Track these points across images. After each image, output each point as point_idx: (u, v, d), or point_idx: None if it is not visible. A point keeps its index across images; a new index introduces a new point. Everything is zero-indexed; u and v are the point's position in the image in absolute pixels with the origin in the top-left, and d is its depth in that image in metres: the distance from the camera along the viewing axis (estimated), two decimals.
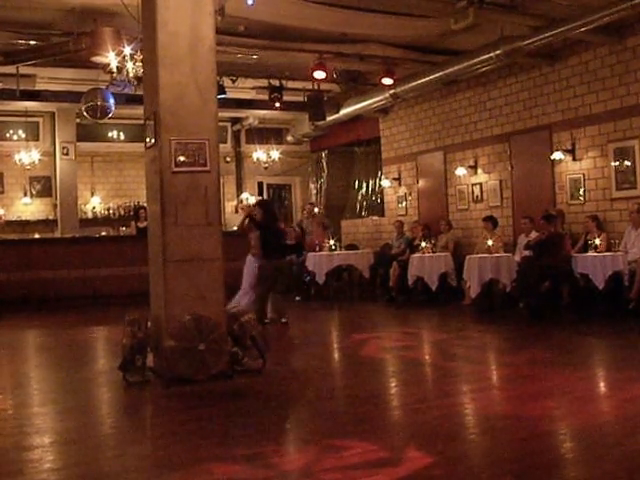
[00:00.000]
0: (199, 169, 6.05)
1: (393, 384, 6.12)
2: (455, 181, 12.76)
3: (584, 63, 10.26)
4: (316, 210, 15.09)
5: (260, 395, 5.59)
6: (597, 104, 10.07)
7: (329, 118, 13.89)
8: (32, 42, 9.78)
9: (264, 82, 12.83)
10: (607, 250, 9.11)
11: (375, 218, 15.40)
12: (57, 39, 9.63)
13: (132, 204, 15.52)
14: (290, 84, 12.77)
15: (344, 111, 14.02)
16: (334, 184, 17.32)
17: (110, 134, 16.10)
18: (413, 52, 11.15)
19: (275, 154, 16.69)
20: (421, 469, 3.68)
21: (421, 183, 13.71)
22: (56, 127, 14.91)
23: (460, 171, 12.50)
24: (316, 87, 12.79)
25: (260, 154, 16.75)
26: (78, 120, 14.48)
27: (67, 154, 14.81)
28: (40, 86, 12.66)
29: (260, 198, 16.14)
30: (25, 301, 11.62)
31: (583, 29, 8.95)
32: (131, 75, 8.88)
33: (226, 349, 5.90)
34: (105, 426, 4.95)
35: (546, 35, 9.29)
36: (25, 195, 15.29)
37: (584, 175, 10.32)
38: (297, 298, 12.09)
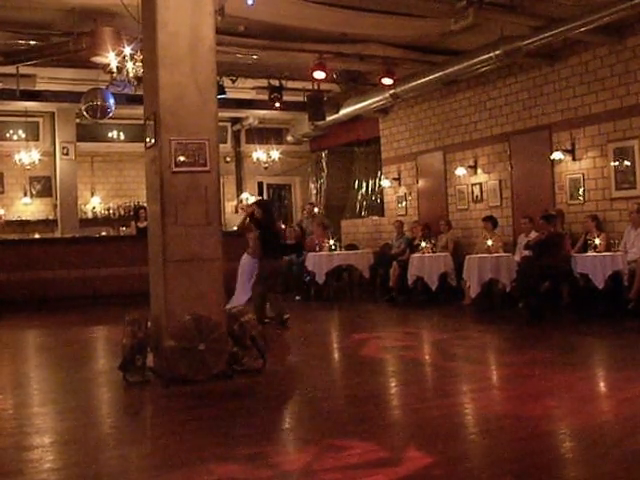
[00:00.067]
0: (199, 169, 6.05)
1: (393, 384, 6.13)
2: (455, 181, 12.76)
3: (584, 63, 10.26)
4: (316, 210, 15.11)
5: (260, 395, 5.59)
6: (597, 104, 10.07)
7: (329, 118, 13.89)
8: (32, 42, 9.78)
9: (264, 82, 12.83)
10: (607, 250, 9.11)
11: (375, 218, 15.40)
12: (57, 39, 9.63)
13: (132, 204, 15.52)
14: (290, 84, 12.78)
15: (344, 111, 14.02)
16: (334, 184, 17.32)
17: (110, 134, 16.10)
18: (413, 52, 11.16)
19: (275, 154, 16.69)
20: (421, 469, 3.68)
21: (421, 183, 13.71)
22: (56, 127, 14.92)
23: (460, 171, 12.50)
24: (316, 87, 12.79)
25: (260, 154, 16.76)
26: (78, 120, 14.49)
27: (67, 154, 14.82)
28: (40, 86, 12.66)
29: (260, 198, 16.16)
30: (25, 301, 11.61)
31: (583, 29, 8.95)
32: (131, 75, 8.88)
33: (226, 349, 5.91)
34: (105, 426, 4.95)
35: (546, 35, 9.30)
36: (25, 195, 15.30)
37: (584, 175, 10.32)
38: (297, 298, 12.09)
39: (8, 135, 15.09)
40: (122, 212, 15.91)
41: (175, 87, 6.02)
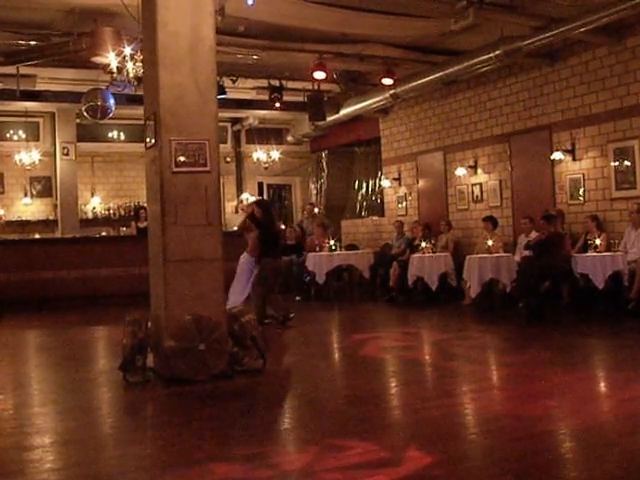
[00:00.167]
0: (199, 169, 6.05)
1: (393, 384, 6.12)
2: (455, 181, 12.76)
3: (584, 63, 10.26)
4: (316, 210, 15.12)
5: (260, 395, 5.60)
6: (597, 104, 10.07)
7: (329, 118, 13.89)
8: (32, 42, 9.78)
9: (264, 82, 12.83)
10: (607, 250, 9.12)
11: (375, 218, 15.40)
12: (57, 39, 9.63)
13: (132, 204, 15.54)
14: (290, 84, 12.78)
15: (344, 111, 14.02)
16: (334, 184, 17.33)
17: (110, 134, 16.11)
18: (413, 52, 11.16)
19: (275, 154, 16.70)
20: (421, 469, 3.68)
21: (421, 183, 13.71)
22: (56, 127, 14.92)
23: (460, 171, 12.50)
24: (316, 87, 12.79)
25: (260, 154, 16.76)
26: (78, 120, 14.49)
27: (67, 154, 14.83)
28: (40, 86, 12.66)
29: (259, 198, 16.15)
30: (25, 301, 11.62)
31: (583, 29, 8.96)
32: (131, 75, 8.89)
33: (226, 349, 5.91)
34: (105, 426, 4.95)
35: (546, 35, 9.30)
36: (25, 195, 15.31)
37: (584, 175, 10.32)
38: (297, 298, 12.09)
39: (8, 135, 15.10)
40: (122, 212, 15.92)
41: (175, 87, 6.02)
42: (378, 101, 12.99)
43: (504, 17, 9.12)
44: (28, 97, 12.74)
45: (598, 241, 9.16)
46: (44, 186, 15.39)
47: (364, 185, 16.62)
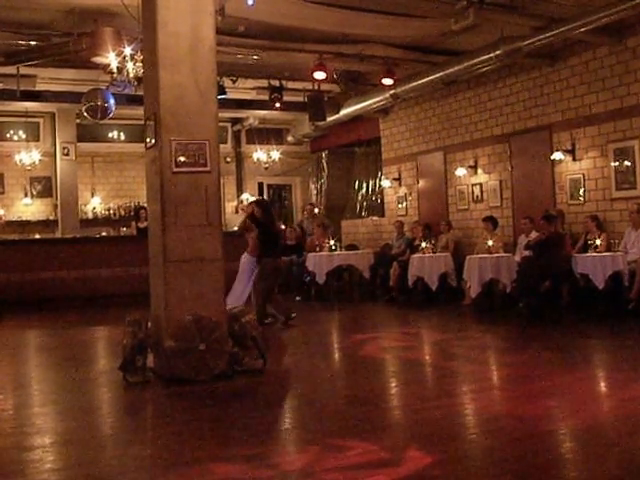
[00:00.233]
0: (199, 169, 6.05)
1: (393, 384, 6.13)
2: (455, 181, 12.76)
3: (584, 63, 10.26)
4: (316, 210, 15.11)
5: (260, 395, 5.60)
6: (597, 104, 10.07)
7: (329, 118, 13.89)
8: (32, 42, 9.78)
9: (264, 82, 12.83)
10: (607, 250, 9.12)
11: (375, 218, 15.40)
12: (57, 39, 9.64)
13: (132, 204, 15.54)
14: (290, 84, 12.78)
15: (344, 111, 14.02)
16: (334, 184, 17.32)
17: (110, 134, 16.11)
18: (413, 52, 11.16)
19: (275, 154, 16.70)
20: (421, 469, 3.68)
21: (421, 183, 13.71)
22: (56, 127, 14.93)
23: (460, 171, 12.50)
24: (316, 87, 12.79)
25: (260, 154, 16.76)
26: (78, 120, 14.49)
27: (67, 154, 14.83)
28: (40, 86, 12.67)
29: (259, 197, 16.14)
30: (25, 301, 11.62)
31: (583, 29, 8.95)
32: (131, 75, 8.89)
33: (226, 349, 5.91)
34: (105, 426, 4.95)
35: (546, 35, 9.30)
36: (25, 195, 15.31)
37: (584, 175, 10.32)
38: (297, 298, 12.10)
39: (8, 135, 15.10)
40: (122, 212, 15.92)
41: (175, 87, 6.02)
42: (378, 101, 12.99)
43: (504, 17, 9.12)
44: (28, 97, 12.74)
45: (598, 241, 9.16)
46: (44, 186, 15.39)
47: (364, 185, 16.61)
